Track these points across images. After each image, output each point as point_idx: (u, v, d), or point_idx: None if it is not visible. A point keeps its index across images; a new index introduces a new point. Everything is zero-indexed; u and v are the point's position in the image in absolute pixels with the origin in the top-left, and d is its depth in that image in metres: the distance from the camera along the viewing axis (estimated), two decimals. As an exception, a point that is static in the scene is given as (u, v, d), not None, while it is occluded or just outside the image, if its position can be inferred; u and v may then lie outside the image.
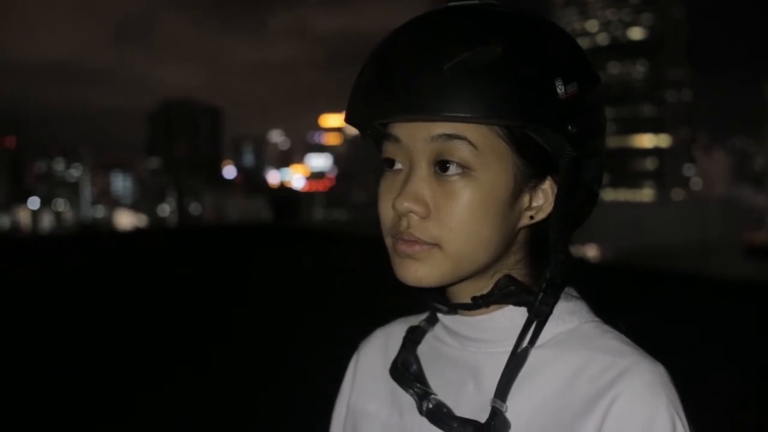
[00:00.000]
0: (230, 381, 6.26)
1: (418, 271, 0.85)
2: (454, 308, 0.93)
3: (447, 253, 0.84)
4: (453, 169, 0.82)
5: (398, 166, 0.87)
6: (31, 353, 7.29)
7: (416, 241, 0.84)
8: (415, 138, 0.83)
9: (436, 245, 0.84)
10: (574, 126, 0.82)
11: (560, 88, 0.80)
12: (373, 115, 0.85)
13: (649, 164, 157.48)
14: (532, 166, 0.85)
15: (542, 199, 0.88)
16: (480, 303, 0.89)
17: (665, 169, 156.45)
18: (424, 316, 1.03)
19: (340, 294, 10.17)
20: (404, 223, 0.85)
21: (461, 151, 0.82)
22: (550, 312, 0.88)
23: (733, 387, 5.80)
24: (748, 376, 6.16)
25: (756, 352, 6.93)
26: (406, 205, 0.83)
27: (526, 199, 0.87)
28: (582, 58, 0.88)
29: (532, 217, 0.88)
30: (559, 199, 0.85)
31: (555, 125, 0.81)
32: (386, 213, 0.87)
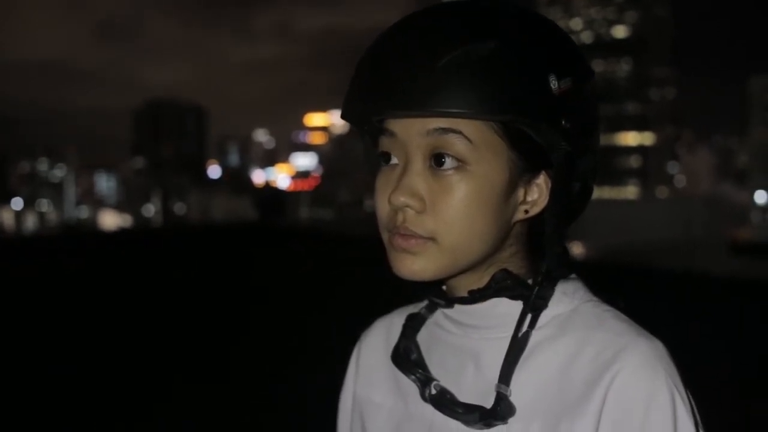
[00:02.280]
0: (226, 380, 6.27)
1: (414, 264, 0.86)
2: (452, 302, 0.94)
3: (442, 247, 0.85)
4: (448, 163, 0.83)
5: (394, 161, 0.88)
6: (14, 353, 7.25)
7: (412, 235, 0.85)
8: (411, 132, 0.84)
9: (432, 239, 0.85)
10: (568, 121, 0.83)
11: (553, 83, 0.82)
12: (370, 112, 0.86)
13: (634, 162, 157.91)
14: (527, 160, 0.86)
15: (537, 194, 0.89)
16: (477, 297, 0.90)
17: (649, 166, 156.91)
18: (423, 303, 1.04)
19: (332, 293, 10.18)
20: (400, 217, 0.86)
21: (456, 145, 0.83)
22: (546, 305, 0.89)
23: (718, 382, 5.84)
24: (732, 372, 6.21)
25: (740, 348, 6.98)
26: (402, 199, 0.84)
27: (520, 193, 0.88)
28: (575, 53, 0.89)
29: (527, 212, 0.89)
30: (554, 194, 0.87)
31: (548, 120, 0.82)
32: (382, 207, 0.88)
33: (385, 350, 1.05)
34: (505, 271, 0.89)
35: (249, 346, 7.59)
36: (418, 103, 0.79)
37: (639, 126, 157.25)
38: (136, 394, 6.00)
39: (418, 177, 0.85)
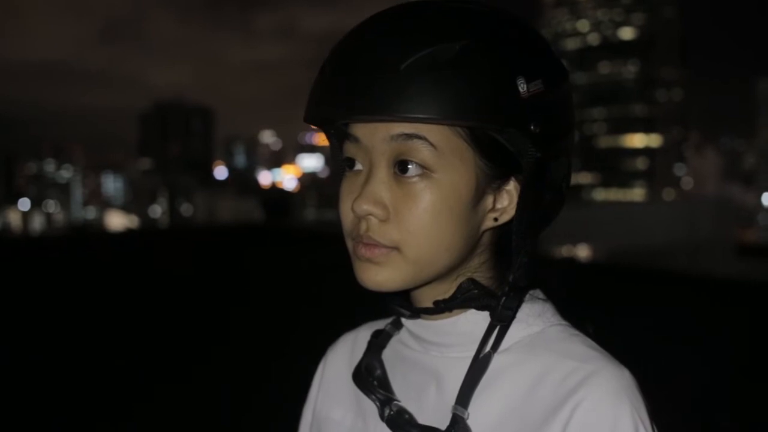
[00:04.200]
0: (226, 380, 6.26)
1: (378, 275, 0.83)
2: (417, 312, 0.91)
3: (407, 257, 0.82)
4: (412, 171, 0.80)
5: (359, 167, 0.85)
6: (22, 354, 7.25)
7: (376, 245, 0.82)
8: (374, 138, 0.81)
9: (396, 248, 0.82)
10: (538, 126, 0.79)
11: (522, 87, 0.78)
12: (332, 115, 0.82)
13: (640, 164, 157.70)
14: (495, 166, 0.83)
15: (506, 201, 0.85)
16: (442, 308, 0.87)
17: (656, 168, 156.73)
18: (390, 319, 1.00)
19: (334, 294, 10.14)
20: (363, 225, 0.83)
21: (421, 152, 0.79)
22: (514, 316, 0.86)
23: (724, 385, 5.81)
24: (739, 375, 6.17)
25: (747, 351, 6.95)
26: (365, 207, 0.81)
27: (489, 200, 0.85)
28: (548, 54, 0.85)
29: (496, 219, 0.86)
30: (523, 201, 0.83)
31: (516, 125, 0.78)
32: (346, 215, 0.85)
33: (349, 367, 1.02)
34: (471, 280, 0.86)
35: (250, 346, 7.58)
36: (380, 107, 0.76)
37: (646, 128, 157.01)
38: (138, 393, 6.00)
39: (382, 184, 0.82)
